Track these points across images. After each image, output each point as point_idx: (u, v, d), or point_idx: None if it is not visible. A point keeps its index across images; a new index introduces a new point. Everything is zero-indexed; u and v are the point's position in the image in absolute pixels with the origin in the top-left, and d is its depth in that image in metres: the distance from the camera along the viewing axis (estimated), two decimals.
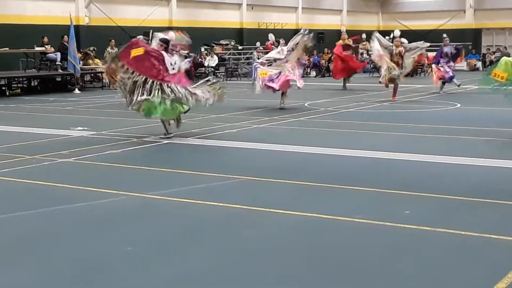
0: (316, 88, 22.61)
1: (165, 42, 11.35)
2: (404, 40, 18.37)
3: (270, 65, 16.30)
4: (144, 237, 5.94)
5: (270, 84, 16.04)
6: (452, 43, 21.68)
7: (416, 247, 5.56)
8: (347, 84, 23.06)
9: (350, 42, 23.27)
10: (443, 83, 20.96)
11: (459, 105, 17.05)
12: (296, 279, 4.88)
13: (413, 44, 18.74)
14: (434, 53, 27.69)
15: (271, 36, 21.10)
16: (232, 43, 33.18)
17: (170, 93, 11.09)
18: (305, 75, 19.89)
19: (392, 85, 18.29)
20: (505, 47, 36.77)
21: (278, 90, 16.21)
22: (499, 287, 4.58)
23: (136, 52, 11.08)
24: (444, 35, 21.67)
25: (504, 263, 5.06)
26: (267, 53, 22.92)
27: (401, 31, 19.15)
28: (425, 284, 4.74)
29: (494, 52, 36.44)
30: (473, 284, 4.72)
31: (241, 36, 35.62)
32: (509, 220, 6.36)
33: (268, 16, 37.50)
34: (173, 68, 11.29)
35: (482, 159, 9.31)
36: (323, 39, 38.11)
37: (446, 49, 21.00)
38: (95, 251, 5.55)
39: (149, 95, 11.03)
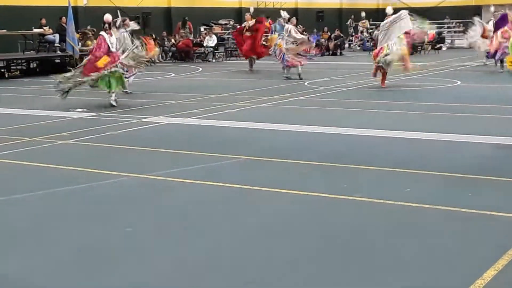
0: (316, 67, 22.50)
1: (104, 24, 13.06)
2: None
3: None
4: (144, 218, 5.94)
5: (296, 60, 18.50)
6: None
7: (417, 225, 5.56)
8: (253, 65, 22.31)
9: (251, 23, 21.94)
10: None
11: (459, 82, 16.99)
12: (300, 259, 4.88)
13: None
14: (433, 31, 27.26)
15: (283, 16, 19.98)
16: (231, 22, 32.99)
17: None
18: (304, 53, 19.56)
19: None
20: None
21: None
22: (500, 264, 4.58)
23: (103, 61, 12.83)
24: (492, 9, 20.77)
25: (506, 240, 5.06)
26: (266, 32, 22.78)
27: (401, 9, 17.89)
28: (427, 261, 4.74)
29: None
30: (475, 261, 4.71)
31: (240, 15, 35.36)
32: (510, 197, 6.35)
33: None
34: (112, 47, 12.95)
35: (483, 137, 9.29)
36: (323, 17, 37.95)
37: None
38: (95, 232, 5.55)
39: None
